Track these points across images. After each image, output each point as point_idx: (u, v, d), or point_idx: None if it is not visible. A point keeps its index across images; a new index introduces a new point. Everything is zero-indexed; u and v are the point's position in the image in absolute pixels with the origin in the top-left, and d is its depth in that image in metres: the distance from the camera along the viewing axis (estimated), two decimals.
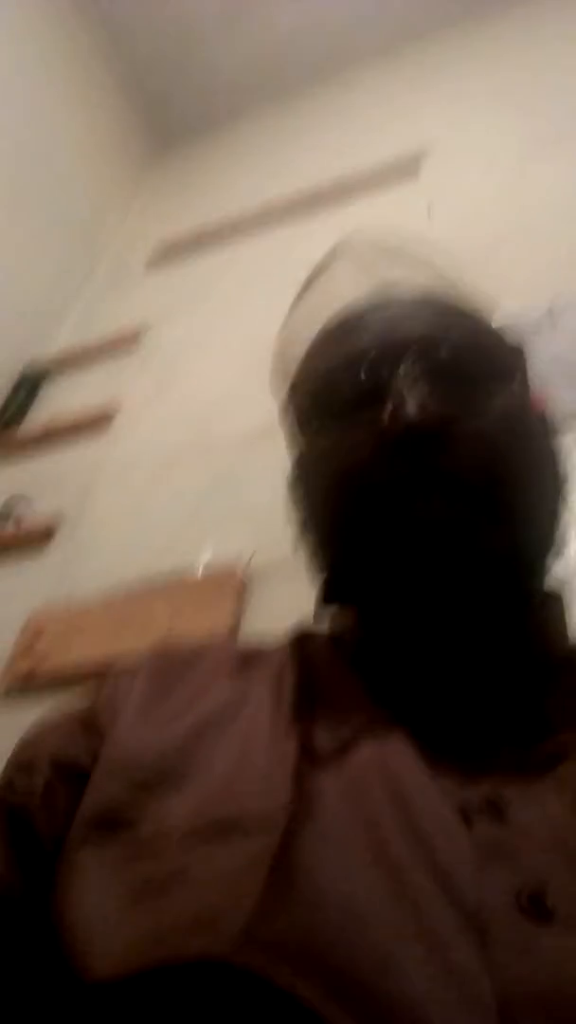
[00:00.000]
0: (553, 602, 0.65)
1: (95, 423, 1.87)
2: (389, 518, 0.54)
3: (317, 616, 0.69)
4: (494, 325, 0.70)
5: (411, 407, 0.54)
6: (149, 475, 1.65)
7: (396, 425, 0.54)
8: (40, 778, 0.54)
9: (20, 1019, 0.42)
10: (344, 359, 0.61)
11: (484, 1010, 0.34)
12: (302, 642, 0.67)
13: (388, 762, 0.49)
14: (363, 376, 0.59)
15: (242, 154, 2.81)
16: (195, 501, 1.50)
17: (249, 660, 0.65)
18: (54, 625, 1.34)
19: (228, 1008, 0.35)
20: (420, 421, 0.54)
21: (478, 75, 2.41)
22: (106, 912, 0.42)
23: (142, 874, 0.43)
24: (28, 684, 1.26)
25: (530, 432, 0.61)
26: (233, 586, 1.22)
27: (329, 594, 0.66)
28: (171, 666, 0.65)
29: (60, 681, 1.21)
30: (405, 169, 2.16)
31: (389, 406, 0.55)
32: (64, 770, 0.55)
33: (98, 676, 0.67)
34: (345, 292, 0.68)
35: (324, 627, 0.70)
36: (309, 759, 0.50)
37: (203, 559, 1.32)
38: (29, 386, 2.12)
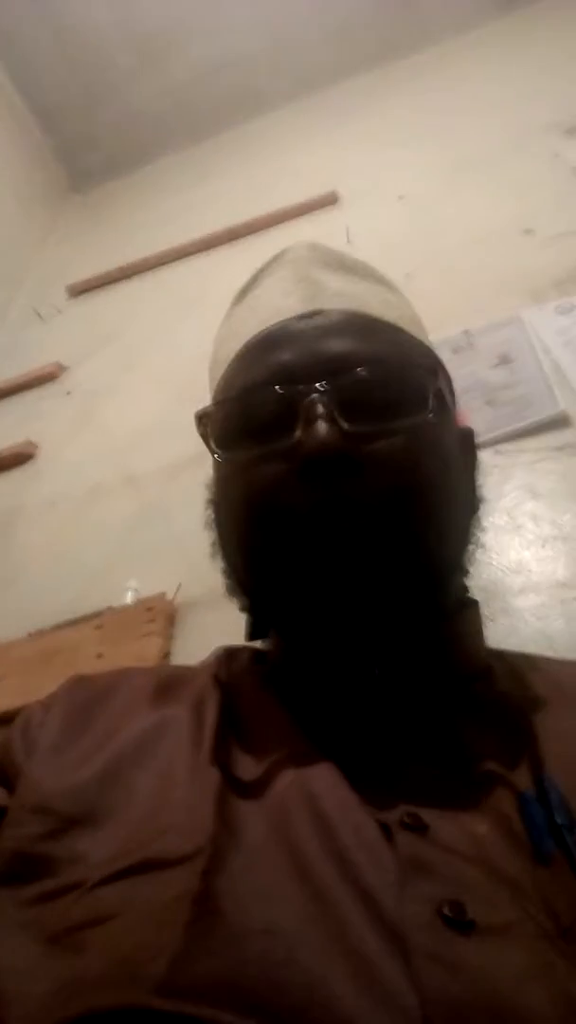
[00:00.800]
0: (467, 614, 0.65)
1: (16, 459, 1.84)
2: (298, 542, 0.53)
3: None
4: (421, 343, 0.69)
5: (322, 428, 0.52)
6: (73, 509, 1.63)
7: (307, 447, 0.53)
8: None
9: None
10: (261, 376, 0.59)
11: (410, 1021, 0.34)
12: (225, 663, 0.67)
13: (309, 785, 0.48)
14: (277, 396, 0.57)
15: (159, 192, 2.83)
16: (121, 533, 1.49)
17: (169, 686, 0.63)
18: None
19: None
20: (331, 443, 0.52)
21: (391, 112, 2.49)
22: (22, 962, 0.41)
23: (60, 921, 0.42)
24: None
25: (444, 452, 0.60)
26: (163, 616, 1.21)
27: (255, 630, 0.66)
28: (87, 698, 0.62)
29: None
30: (321, 204, 2.21)
31: (300, 428, 0.54)
32: None
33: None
34: (276, 301, 0.66)
35: (248, 645, 0.69)
36: (231, 788, 0.49)
37: (131, 591, 1.31)
38: None
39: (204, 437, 0.61)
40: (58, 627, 1.32)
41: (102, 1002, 0.35)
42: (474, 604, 0.67)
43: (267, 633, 0.67)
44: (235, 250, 2.23)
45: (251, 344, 0.64)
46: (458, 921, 0.39)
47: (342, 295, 0.65)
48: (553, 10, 2.51)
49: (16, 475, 1.82)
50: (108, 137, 3.01)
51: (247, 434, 0.58)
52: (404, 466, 0.55)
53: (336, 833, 0.44)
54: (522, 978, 0.36)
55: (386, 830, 0.45)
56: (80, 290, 2.47)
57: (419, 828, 0.45)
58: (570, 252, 1.55)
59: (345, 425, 0.54)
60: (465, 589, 0.66)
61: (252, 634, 0.67)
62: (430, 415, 0.57)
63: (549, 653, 0.91)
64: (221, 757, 0.52)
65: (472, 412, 1.28)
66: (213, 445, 0.61)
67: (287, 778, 0.50)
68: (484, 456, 1.19)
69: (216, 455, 0.60)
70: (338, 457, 0.52)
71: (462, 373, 1.35)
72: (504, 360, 1.36)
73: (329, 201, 2.21)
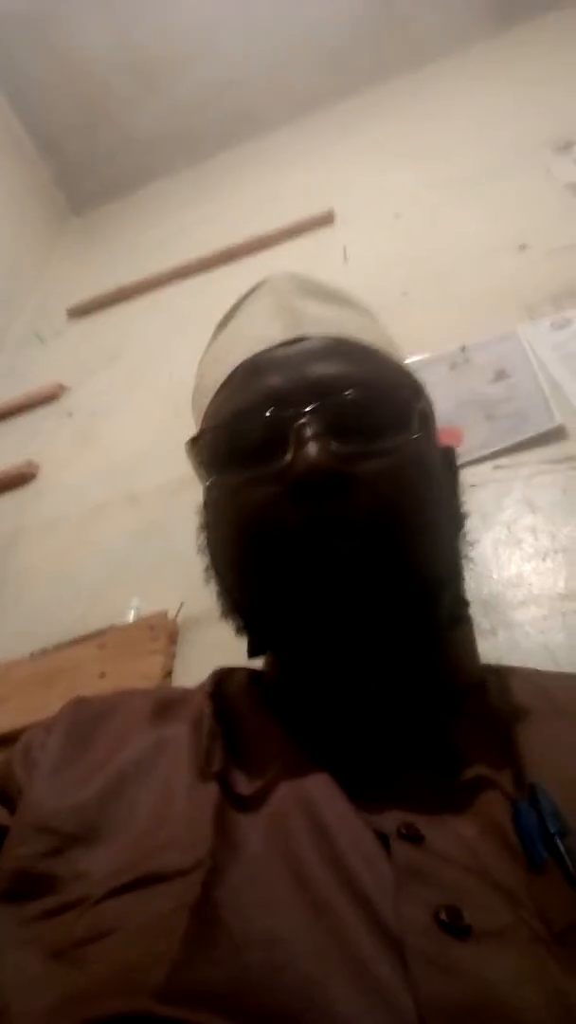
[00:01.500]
0: (460, 629, 0.66)
1: (17, 479, 1.85)
2: (290, 561, 0.54)
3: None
4: (401, 365, 0.71)
5: (313, 450, 0.54)
6: (74, 529, 1.63)
7: (298, 468, 0.54)
8: None
9: None
10: (250, 402, 0.60)
11: None
12: (221, 683, 0.67)
13: (307, 797, 0.49)
14: (267, 420, 0.58)
15: (158, 214, 2.86)
16: (122, 552, 1.49)
17: (167, 706, 0.64)
18: None
19: None
20: (322, 463, 0.53)
21: (386, 132, 2.52)
22: (26, 977, 0.41)
23: (63, 937, 0.43)
24: None
25: (429, 470, 0.61)
26: (165, 634, 1.21)
27: (254, 648, 0.67)
28: (87, 719, 0.64)
29: None
30: (317, 224, 2.23)
31: (290, 450, 0.55)
32: None
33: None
34: (259, 329, 0.67)
35: (243, 666, 0.70)
36: (230, 802, 0.50)
37: (132, 609, 1.31)
38: None
39: (196, 464, 0.62)
40: (60, 647, 1.32)
41: (103, 1011, 0.35)
42: (467, 619, 0.67)
43: (264, 652, 0.68)
44: (233, 270, 2.24)
45: (237, 371, 0.65)
46: (455, 926, 0.39)
47: (323, 321, 0.67)
48: (545, 29, 2.55)
49: (17, 496, 1.83)
50: (106, 160, 3.04)
51: (237, 459, 0.60)
52: (392, 485, 0.57)
53: (334, 843, 0.45)
54: (517, 981, 0.37)
55: (383, 839, 0.46)
56: (80, 312, 2.49)
57: (415, 838, 0.46)
58: (565, 267, 1.56)
59: (335, 446, 0.55)
60: (457, 604, 0.67)
61: (252, 652, 0.68)
62: (415, 434, 0.59)
63: (550, 666, 0.92)
64: (219, 773, 0.53)
65: (469, 427, 1.29)
66: (204, 471, 0.62)
67: (285, 790, 0.51)
68: (482, 471, 1.21)
69: (207, 480, 0.61)
70: (328, 478, 0.54)
71: (459, 388, 1.36)
72: (501, 375, 1.36)
73: (326, 220, 2.23)
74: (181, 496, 1.49)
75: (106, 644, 1.25)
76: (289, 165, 2.67)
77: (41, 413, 2.10)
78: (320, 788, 0.50)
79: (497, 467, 1.22)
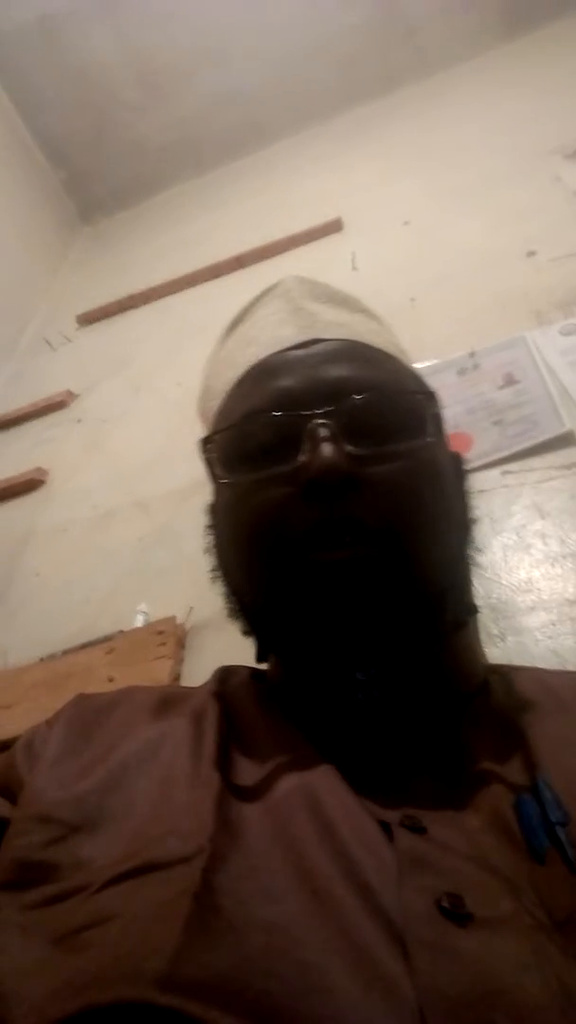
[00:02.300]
0: (465, 632, 0.66)
1: (27, 485, 1.86)
2: (299, 562, 0.54)
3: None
4: (410, 370, 0.70)
5: (328, 450, 0.54)
6: (84, 535, 1.64)
7: (313, 468, 0.54)
8: None
9: None
10: (264, 402, 0.60)
11: (408, 1013, 0.35)
12: (225, 680, 0.67)
13: (310, 787, 0.49)
14: (281, 421, 0.58)
15: (167, 222, 2.88)
16: (131, 558, 1.50)
17: (169, 702, 0.64)
18: None
19: None
20: (337, 464, 0.53)
21: (394, 140, 2.53)
22: (27, 962, 0.41)
23: (64, 924, 0.43)
24: None
25: (440, 475, 0.61)
26: (173, 639, 1.21)
27: (262, 651, 0.67)
28: (89, 713, 0.64)
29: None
30: (326, 231, 2.24)
31: (305, 450, 0.55)
32: None
33: None
34: (272, 331, 0.67)
35: (246, 665, 0.70)
36: (231, 791, 0.50)
37: (141, 614, 1.31)
38: None
39: (208, 463, 0.63)
40: (69, 652, 1.32)
41: (103, 997, 0.35)
42: (472, 621, 0.68)
43: (271, 652, 0.68)
44: (242, 277, 2.26)
45: (250, 373, 0.65)
46: (456, 913, 0.40)
47: (336, 325, 0.67)
48: (554, 37, 2.56)
49: (27, 501, 1.84)
50: (116, 169, 3.06)
51: (250, 458, 0.60)
52: (404, 488, 0.57)
53: (336, 832, 0.45)
54: (518, 968, 0.37)
55: (386, 829, 0.46)
56: (90, 319, 2.50)
57: (418, 829, 0.46)
58: (573, 274, 1.56)
59: (349, 448, 0.55)
60: (464, 609, 0.67)
61: (260, 656, 0.68)
62: (429, 439, 0.59)
63: None
64: (221, 763, 0.53)
65: (478, 433, 1.29)
66: (216, 470, 0.62)
67: (287, 781, 0.51)
68: (491, 476, 1.21)
69: (221, 480, 0.62)
70: (342, 478, 0.54)
71: (468, 394, 1.36)
72: (510, 381, 1.37)
73: (334, 228, 2.24)
74: (189, 502, 1.49)
75: (115, 649, 1.25)
76: (298, 173, 2.68)
77: (51, 420, 2.12)
78: (323, 778, 0.50)
79: (506, 472, 1.22)
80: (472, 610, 0.68)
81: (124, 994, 0.35)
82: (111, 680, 1.18)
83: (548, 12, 2.59)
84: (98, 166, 3.05)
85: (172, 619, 1.26)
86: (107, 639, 1.30)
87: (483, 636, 0.73)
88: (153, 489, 1.63)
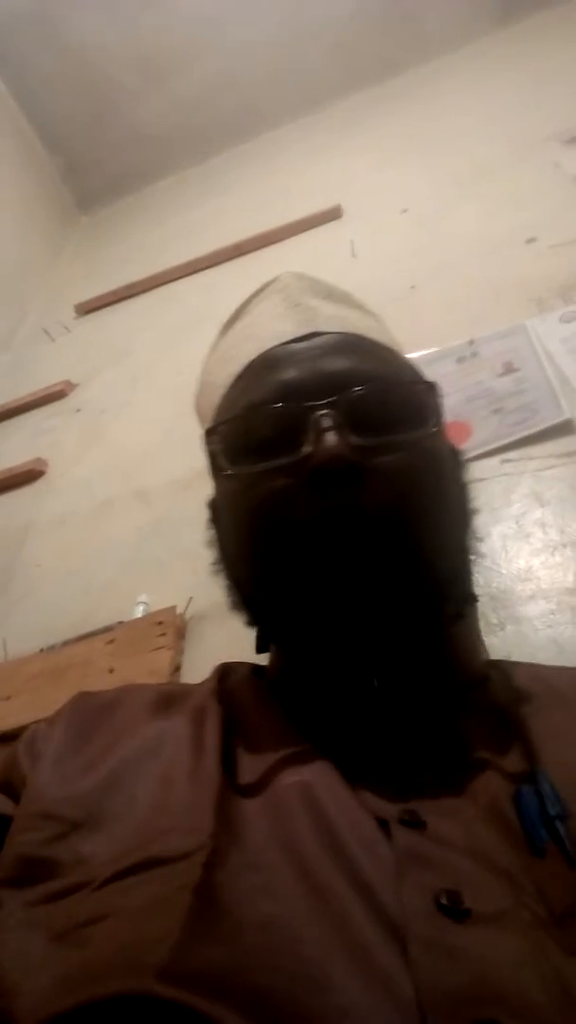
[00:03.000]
0: (464, 624, 0.67)
1: (26, 476, 1.86)
2: (304, 549, 0.55)
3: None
4: (409, 363, 0.71)
5: (332, 440, 0.54)
6: (83, 525, 1.64)
7: (318, 458, 0.54)
8: None
9: None
10: (267, 394, 0.61)
11: (406, 1010, 0.35)
12: (225, 677, 0.68)
13: (308, 784, 0.50)
14: (284, 412, 0.59)
15: (165, 210, 2.86)
16: (131, 548, 1.50)
17: (169, 699, 0.65)
18: None
19: None
20: (340, 454, 0.54)
21: (393, 126, 2.51)
22: (30, 958, 0.41)
23: (66, 920, 0.43)
24: None
25: (441, 466, 0.62)
26: (173, 630, 1.21)
27: (262, 642, 0.67)
28: (90, 712, 0.64)
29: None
30: (325, 219, 2.22)
31: (309, 440, 0.55)
32: None
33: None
34: (271, 326, 0.68)
35: (246, 661, 0.70)
36: (231, 788, 0.51)
37: (141, 605, 1.31)
38: None
39: (211, 455, 0.63)
40: (69, 643, 1.32)
41: (104, 990, 0.36)
42: (472, 614, 0.68)
43: (271, 643, 0.68)
44: (241, 266, 2.24)
45: (252, 365, 0.66)
46: (455, 910, 0.40)
47: (335, 319, 0.68)
48: (551, 22, 2.53)
49: (26, 492, 1.84)
50: (114, 157, 3.04)
51: (253, 450, 0.60)
52: (406, 479, 0.57)
53: (334, 829, 0.45)
54: (517, 964, 0.37)
55: (384, 826, 0.46)
56: (88, 308, 2.49)
57: (417, 824, 0.47)
58: (573, 261, 1.55)
59: (353, 438, 0.55)
60: (464, 599, 0.67)
61: (260, 647, 0.68)
62: (431, 430, 0.60)
63: (559, 660, 0.91)
64: (221, 760, 0.53)
65: (478, 421, 1.28)
66: (218, 462, 0.62)
67: (286, 778, 0.51)
68: (490, 465, 1.21)
69: (224, 472, 0.62)
70: (347, 468, 0.54)
71: (467, 382, 1.36)
72: (509, 369, 1.36)
73: (333, 215, 2.23)
74: (189, 492, 1.49)
75: (115, 640, 1.26)
76: (296, 160, 2.66)
77: (50, 410, 2.11)
78: (321, 775, 0.50)
79: (505, 461, 1.22)
80: (472, 599, 0.68)
81: (125, 987, 0.35)
82: (111, 671, 1.18)
83: None
84: (96, 154, 3.03)
85: (172, 609, 1.26)
86: (107, 630, 1.30)
87: (482, 625, 0.73)
88: (153, 479, 1.63)
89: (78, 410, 2.04)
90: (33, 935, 0.43)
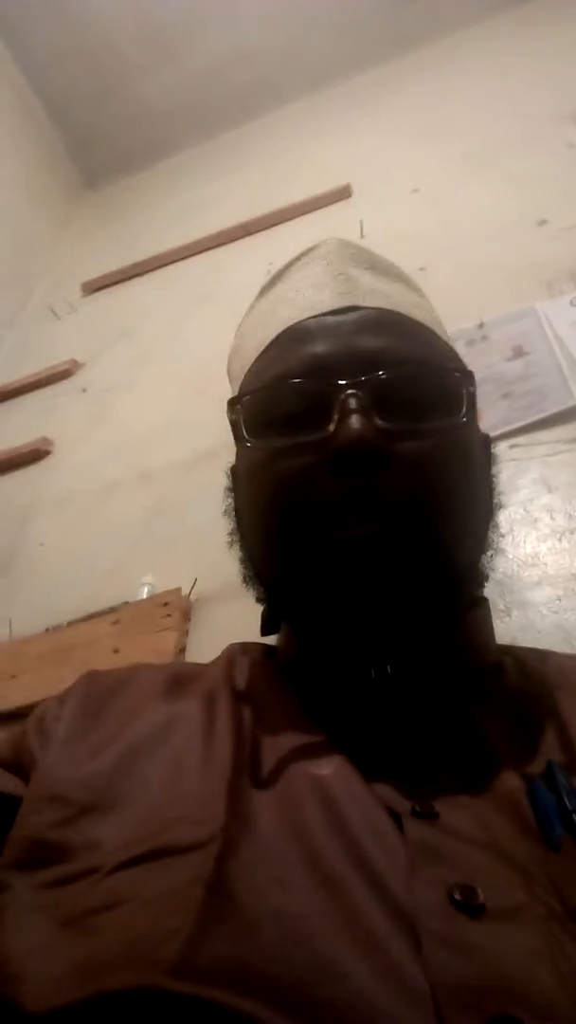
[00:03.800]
0: (478, 611, 0.66)
1: (32, 455, 1.85)
2: (319, 533, 0.54)
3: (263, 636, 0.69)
4: (448, 346, 0.69)
5: (357, 423, 0.53)
6: (89, 505, 1.64)
7: (340, 440, 0.53)
8: None
9: None
10: (295, 368, 0.59)
11: (421, 1005, 0.34)
12: (236, 659, 0.67)
13: (320, 775, 0.49)
14: (311, 388, 0.57)
15: (172, 188, 2.84)
16: (136, 529, 1.49)
17: (181, 680, 0.64)
18: None
19: None
20: (366, 437, 0.52)
21: (403, 105, 2.48)
22: (38, 943, 0.41)
23: (76, 905, 0.43)
24: None
25: (469, 456, 0.61)
26: (178, 611, 1.21)
27: (270, 623, 0.66)
28: (100, 692, 0.63)
29: (3, 716, 1.18)
30: (334, 198, 2.20)
31: (334, 420, 0.54)
32: None
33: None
34: (309, 294, 0.66)
35: (258, 642, 0.69)
36: (243, 778, 0.50)
37: (146, 586, 1.31)
38: None
39: (234, 424, 0.61)
40: (74, 623, 1.33)
41: (115, 983, 0.35)
42: (484, 601, 0.67)
43: (279, 627, 0.68)
44: (249, 244, 2.23)
45: (284, 335, 0.64)
46: (469, 905, 0.39)
47: (376, 293, 0.65)
48: (564, 0, 2.49)
49: (32, 472, 1.84)
50: (121, 134, 3.01)
51: (278, 424, 0.59)
52: (431, 467, 0.56)
53: (347, 821, 0.45)
54: (531, 959, 0.37)
55: (396, 818, 0.46)
56: (94, 287, 2.48)
57: (430, 815, 0.46)
58: None
59: (379, 422, 0.54)
60: (478, 588, 0.66)
61: (267, 628, 0.67)
62: (463, 418, 0.58)
63: (565, 646, 0.91)
64: (232, 749, 0.53)
65: (487, 405, 1.27)
66: (243, 432, 0.61)
67: (298, 769, 0.50)
68: (499, 450, 1.20)
69: (246, 442, 0.61)
70: (370, 452, 0.53)
71: (477, 366, 1.33)
72: (519, 353, 1.35)
73: (343, 195, 2.21)
74: (195, 473, 1.49)
75: (120, 620, 1.26)
76: (306, 138, 2.63)
77: (56, 389, 2.10)
78: (334, 766, 0.50)
79: (514, 446, 1.21)
80: (484, 578, 0.67)
81: (136, 980, 0.35)
82: (116, 651, 1.18)
83: None
84: (103, 129, 2.99)
85: (177, 590, 1.26)
86: (112, 610, 1.30)
87: None
88: (159, 459, 1.62)
89: (84, 389, 2.04)
90: (41, 919, 0.43)
